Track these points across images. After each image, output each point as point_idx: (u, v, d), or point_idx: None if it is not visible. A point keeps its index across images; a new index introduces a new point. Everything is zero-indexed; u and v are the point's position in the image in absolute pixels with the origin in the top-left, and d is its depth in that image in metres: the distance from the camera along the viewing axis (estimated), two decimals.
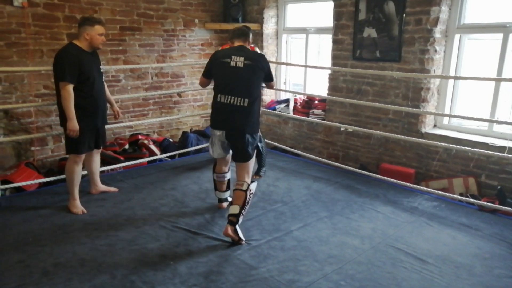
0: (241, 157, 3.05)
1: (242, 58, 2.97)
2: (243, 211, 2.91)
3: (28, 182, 3.82)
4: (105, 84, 3.57)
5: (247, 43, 3.16)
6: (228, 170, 3.41)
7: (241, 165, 3.07)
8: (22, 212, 3.40)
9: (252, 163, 3.16)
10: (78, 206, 3.44)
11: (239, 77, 2.96)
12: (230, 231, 2.84)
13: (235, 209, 2.88)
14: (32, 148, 4.46)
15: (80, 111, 3.23)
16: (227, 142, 3.08)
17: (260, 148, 4.18)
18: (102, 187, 3.82)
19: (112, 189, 3.86)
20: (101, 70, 3.46)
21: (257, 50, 3.81)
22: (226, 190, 3.46)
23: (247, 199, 2.94)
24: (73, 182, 3.43)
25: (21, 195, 3.80)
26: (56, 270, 2.58)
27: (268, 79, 3.20)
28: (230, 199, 3.41)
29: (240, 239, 2.89)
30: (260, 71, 3.03)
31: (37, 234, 3.04)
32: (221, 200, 3.52)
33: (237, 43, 3.12)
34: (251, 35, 3.22)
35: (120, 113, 3.79)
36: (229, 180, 3.45)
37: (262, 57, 3.13)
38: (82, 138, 3.31)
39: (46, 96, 4.42)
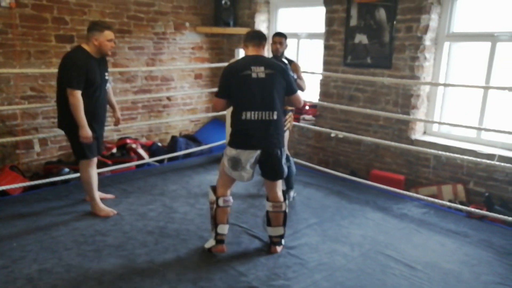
0: (277, 174, 2.81)
1: (262, 68, 2.67)
2: (285, 227, 2.90)
3: (13, 186, 3.74)
4: (110, 89, 3.53)
5: (262, 47, 2.81)
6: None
7: (275, 183, 2.85)
8: (6, 216, 3.32)
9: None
10: (105, 208, 3.41)
11: (264, 89, 2.67)
12: (279, 250, 2.89)
13: (278, 231, 2.87)
14: (17, 151, 4.37)
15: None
16: (256, 162, 2.76)
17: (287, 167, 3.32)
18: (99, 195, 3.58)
19: (109, 195, 3.73)
20: (106, 77, 3.35)
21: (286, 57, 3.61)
22: (228, 222, 2.89)
23: (286, 215, 2.89)
24: (93, 186, 3.37)
25: (5, 199, 3.71)
26: (41, 276, 2.52)
27: (289, 91, 2.79)
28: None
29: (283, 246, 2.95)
30: (282, 80, 2.74)
31: (21, 239, 2.97)
32: (222, 239, 2.85)
33: (251, 48, 2.79)
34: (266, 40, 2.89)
35: (120, 120, 3.68)
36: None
37: (282, 65, 2.85)
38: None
39: (33, 98, 4.35)
